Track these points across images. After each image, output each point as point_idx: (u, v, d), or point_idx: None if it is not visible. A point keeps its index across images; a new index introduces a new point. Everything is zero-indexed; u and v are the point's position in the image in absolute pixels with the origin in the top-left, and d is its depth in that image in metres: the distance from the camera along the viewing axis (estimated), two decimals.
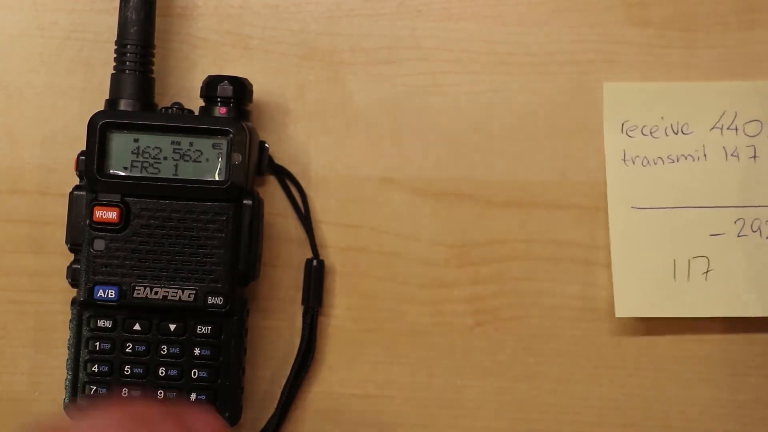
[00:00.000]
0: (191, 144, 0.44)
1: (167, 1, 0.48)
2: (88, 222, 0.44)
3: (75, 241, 0.44)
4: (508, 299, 0.48)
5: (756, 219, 0.47)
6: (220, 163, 0.44)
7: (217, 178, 0.44)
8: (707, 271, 0.46)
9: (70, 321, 0.45)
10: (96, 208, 0.44)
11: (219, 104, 0.45)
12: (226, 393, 0.44)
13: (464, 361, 0.48)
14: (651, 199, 0.47)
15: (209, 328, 0.44)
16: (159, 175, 0.44)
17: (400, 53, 0.46)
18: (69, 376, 0.44)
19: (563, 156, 0.48)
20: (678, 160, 0.47)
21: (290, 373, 0.47)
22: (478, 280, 0.48)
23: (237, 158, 0.44)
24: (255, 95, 0.47)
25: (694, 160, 0.47)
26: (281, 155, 0.48)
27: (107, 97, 0.45)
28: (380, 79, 0.48)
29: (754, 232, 0.46)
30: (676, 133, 0.47)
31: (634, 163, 0.47)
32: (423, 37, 0.48)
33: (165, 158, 0.44)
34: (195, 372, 0.44)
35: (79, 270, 0.44)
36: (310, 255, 0.47)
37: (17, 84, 0.48)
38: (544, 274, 0.48)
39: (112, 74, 0.45)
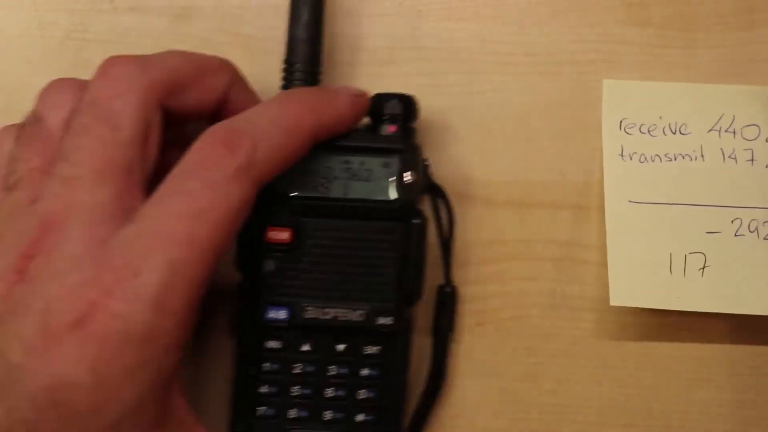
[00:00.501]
0: (362, 163, 0.43)
1: (167, 1, 0.48)
2: (259, 242, 0.43)
3: (244, 261, 0.44)
4: (508, 299, 0.48)
5: (753, 220, 0.47)
6: (389, 183, 0.43)
7: (389, 197, 0.43)
8: (703, 267, 0.46)
9: (237, 340, 0.44)
10: (269, 228, 0.43)
11: (387, 122, 0.44)
12: (391, 413, 0.44)
13: (464, 361, 0.48)
14: (648, 194, 0.47)
15: (377, 348, 0.44)
16: (330, 195, 0.43)
17: (400, 53, 0.46)
18: (234, 396, 0.44)
19: (563, 156, 0.48)
20: (675, 159, 0.47)
21: (419, 402, 0.47)
22: (478, 280, 0.48)
23: (408, 177, 0.43)
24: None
25: (691, 159, 0.47)
26: None
27: None
28: (380, 79, 0.48)
29: (751, 232, 0.47)
30: (674, 133, 0.47)
31: (631, 159, 0.47)
32: (423, 37, 0.48)
33: (336, 178, 0.43)
34: (363, 392, 0.44)
35: (248, 290, 0.44)
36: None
37: (17, 84, 0.48)
38: (544, 274, 0.48)
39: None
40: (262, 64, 0.48)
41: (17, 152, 0.41)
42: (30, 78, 0.48)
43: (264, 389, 0.44)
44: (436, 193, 0.47)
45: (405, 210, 0.44)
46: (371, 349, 0.44)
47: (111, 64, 0.40)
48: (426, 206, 0.47)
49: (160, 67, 0.41)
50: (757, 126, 0.47)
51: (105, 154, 0.39)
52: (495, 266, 0.48)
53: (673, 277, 0.46)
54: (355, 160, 0.44)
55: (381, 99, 0.45)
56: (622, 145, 0.47)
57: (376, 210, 0.43)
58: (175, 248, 0.37)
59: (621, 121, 0.47)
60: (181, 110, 0.42)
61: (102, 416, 0.36)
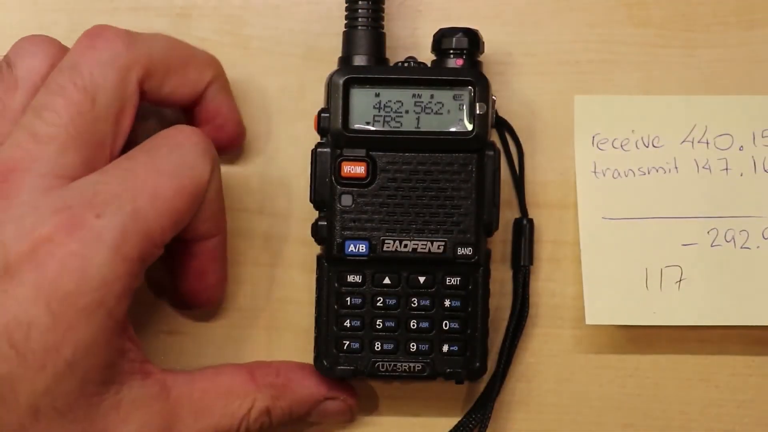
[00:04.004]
0: (432, 96, 0.44)
1: (167, 1, 0.48)
2: (334, 178, 0.44)
3: (320, 197, 0.44)
4: (508, 299, 0.48)
5: (729, 229, 0.46)
6: (462, 114, 0.44)
7: (461, 129, 0.44)
8: (680, 280, 0.46)
9: (317, 278, 0.45)
10: (344, 163, 0.44)
11: (454, 56, 0.45)
12: (475, 343, 0.45)
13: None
14: (622, 210, 0.47)
15: (458, 279, 0.44)
16: (402, 128, 0.44)
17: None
18: (317, 332, 0.45)
19: (563, 156, 0.48)
20: (649, 172, 0.47)
21: (506, 334, 0.47)
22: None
23: (481, 108, 0.44)
24: (254, 94, 0.47)
25: (665, 172, 0.47)
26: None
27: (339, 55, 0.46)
28: None
29: (728, 242, 0.46)
30: (647, 146, 0.47)
31: (604, 175, 0.47)
32: (423, 37, 0.48)
33: (407, 111, 0.44)
34: (446, 323, 0.44)
35: (325, 226, 0.44)
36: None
37: None
38: (544, 274, 0.48)
39: (344, 32, 0.46)
40: (262, 64, 0.48)
41: None
42: None
43: (347, 323, 0.44)
44: (504, 127, 0.48)
45: (480, 141, 0.44)
46: (452, 281, 0.44)
47: (97, 34, 0.41)
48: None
49: (146, 48, 0.41)
50: (730, 135, 0.47)
51: (80, 122, 0.39)
52: (495, 266, 0.48)
53: (650, 291, 0.46)
54: (426, 93, 0.44)
55: (446, 33, 0.45)
56: (594, 162, 0.47)
57: (449, 142, 0.44)
58: (139, 199, 0.38)
59: (593, 137, 0.47)
60: (157, 95, 0.42)
61: (59, 355, 0.37)
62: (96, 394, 0.39)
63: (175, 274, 0.45)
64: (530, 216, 0.48)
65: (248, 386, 0.43)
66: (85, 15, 0.48)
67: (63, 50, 0.42)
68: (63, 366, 0.37)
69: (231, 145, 0.46)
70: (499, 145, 0.46)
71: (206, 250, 0.44)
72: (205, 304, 0.46)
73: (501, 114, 0.47)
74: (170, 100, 0.43)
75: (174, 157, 0.40)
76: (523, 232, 0.47)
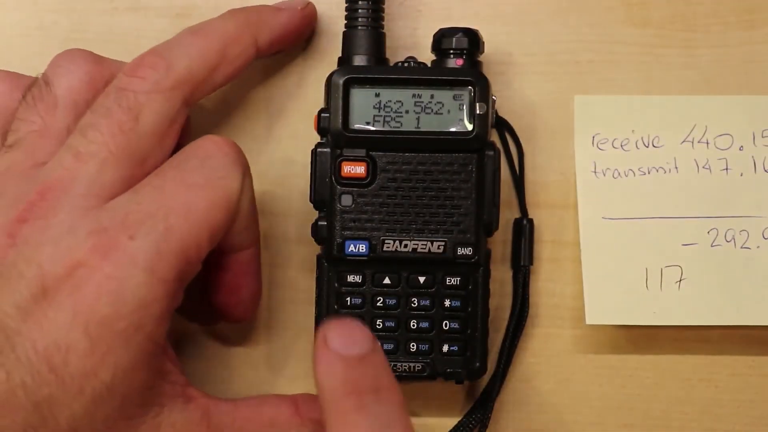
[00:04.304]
0: (432, 96, 0.44)
1: (167, 1, 0.48)
2: (334, 178, 0.44)
3: (320, 197, 0.44)
4: (508, 299, 0.48)
5: (729, 229, 0.46)
6: (462, 114, 0.44)
7: (461, 129, 0.44)
8: (680, 280, 0.46)
9: (317, 278, 0.45)
10: (344, 163, 0.44)
11: (453, 56, 0.45)
12: (475, 343, 0.45)
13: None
14: (622, 209, 0.47)
15: (458, 279, 0.44)
16: (402, 129, 0.44)
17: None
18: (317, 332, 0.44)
19: (563, 156, 0.48)
20: (649, 172, 0.47)
21: (506, 334, 0.47)
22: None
23: (482, 108, 0.44)
24: (254, 94, 0.47)
25: (665, 172, 0.47)
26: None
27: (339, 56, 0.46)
28: None
29: (728, 242, 0.46)
30: (647, 146, 0.47)
31: (604, 175, 0.47)
32: (423, 37, 0.48)
33: (407, 111, 0.44)
34: (446, 323, 0.44)
35: (325, 226, 0.44)
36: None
37: None
38: (544, 274, 0.48)
39: (344, 32, 0.46)
40: (262, 64, 0.48)
41: (21, 112, 0.41)
42: None
43: None
44: (506, 128, 0.48)
45: (479, 141, 0.44)
46: (452, 281, 0.44)
47: (138, 63, 0.41)
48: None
49: (185, 65, 0.41)
50: (730, 135, 0.47)
51: (121, 139, 0.39)
52: (495, 266, 0.48)
53: (650, 291, 0.46)
54: (425, 94, 0.44)
55: (445, 33, 0.45)
56: (594, 162, 0.47)
57: (449, 142, 0.44)
58: (172, 216, 0.38)
59: (593, 137, 0.47)
60: (213, 89, 0.43)
61: (97, 379, 0.37)
62: (136, 416, 0.38)
63: (208, 288, 0.44)
64: (530, 216, 0.48)
65: (293, 419, 0.42)
66: (85, 15, 0.48)
67: (99, 63, 0.42)
68: (102, 389, 0.37)
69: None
70: (499, 145, 0.46)
71: (240, 263, 0.43)
72: (239, 319, 0.45)
73: (501, 114, 0.47)
74: (229, 81, 0.44)
75: (204, 169, 0.40)
76: (523, 232, 0.47)
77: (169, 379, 0.40)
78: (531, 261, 0.47)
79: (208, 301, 0.45)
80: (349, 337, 0.36)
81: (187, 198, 0.39)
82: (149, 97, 0.40)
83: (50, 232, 0.38)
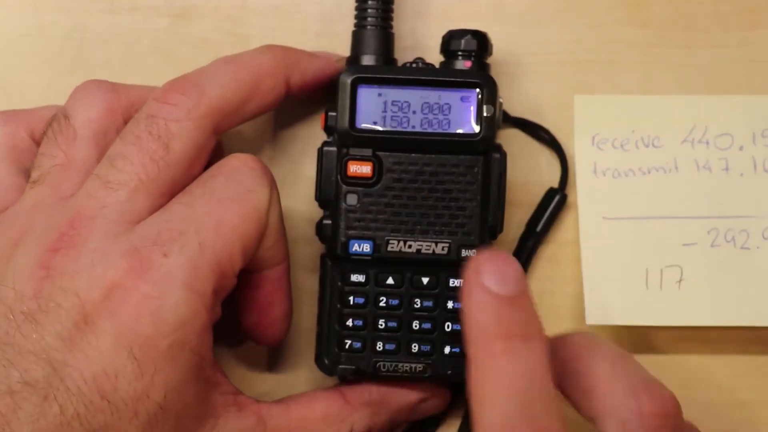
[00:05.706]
0: (439, 97, 0.44)
1: (167, 1, 0.48)
2: (340, 177, 0.44)
3: (326, 196, 0.44)
4: None
5: (730, 229, 0.46)
6: (469, 116, 0.44)
7: (468, 131, 0.44)
8: (680, 280, 0.46)
9: (321, 277, 0.45)
10: (350, 162, 0.44)
11: (462, 58, 0.45)
12: None
13: None
14: (622, 209, 0.47)
15: (461, 281, 0.44)
16: (409, 129, 0.44)
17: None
18: (318, 330, 0.45)
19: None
20: (649, 172, 0.47)
21: None
22: None
23: (489, 110, 0.44)
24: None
25: (665, 172, 0.47)
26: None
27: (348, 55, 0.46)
28: None
29: (728, 242, 0.46)
30: (647, 146, 0.47)
31: (605, 175, 0.47)
32: (423, 37, 0.48)
33: (414, 112, 0.44)
34: (448, 325, 0.44)
35: (329, 225, 0.44)
36: None
37: (17, 84, 0.48)
38: (543, 274, 0.48)
39: (353, 31, 0.46)
40: None
41: (43, 147, 0.41)
42: (30, 78, 0.48)
43: (350, 322, 0.44)
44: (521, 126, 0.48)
45: (486, 143, 0.44)
46: (455, 282, 0.44)
47: (169, 89, 0.41)
48: None
49: (217, 93, 0.41)
50: (730, 135, 0.47)
51: (151, 168, 0.39)
52: None
53: (649, 291, 0.46)
54: (433, 95, 0.44)
55: (454, 35, 0.45)
56: (594, 162, 0.47)
57: (456, 143, 0.44)
58: (204, 231, 0.38)
59: (593, 137, 0.47)
60: (241, 121, 0.43)
61: (150, 400, 0.37)
62: (193, 430, 0.39)
63: (239, 308, 0.44)
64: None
65: (345, 410, 0.43)
66: (85, 15, 0.48)
67: (115, 90, 0.42)
68: (155, 409, 0.37)
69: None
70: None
71: (271, 280, 0.43)
72: (271, 340, 0.45)
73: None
74: (258, 115, 0.44)
75: (232, 184, 0.40)
76: (551, 202, 0.47)
77: (219, 390, 0.40)
78: (545, 232, 0.47)
79: (239, 323, 0.45)
80: (502, 274, 0.35)
81: (217, 212, 0.39)
82: (180, 126, 0.40)
83: (83, 259, 0.37)
